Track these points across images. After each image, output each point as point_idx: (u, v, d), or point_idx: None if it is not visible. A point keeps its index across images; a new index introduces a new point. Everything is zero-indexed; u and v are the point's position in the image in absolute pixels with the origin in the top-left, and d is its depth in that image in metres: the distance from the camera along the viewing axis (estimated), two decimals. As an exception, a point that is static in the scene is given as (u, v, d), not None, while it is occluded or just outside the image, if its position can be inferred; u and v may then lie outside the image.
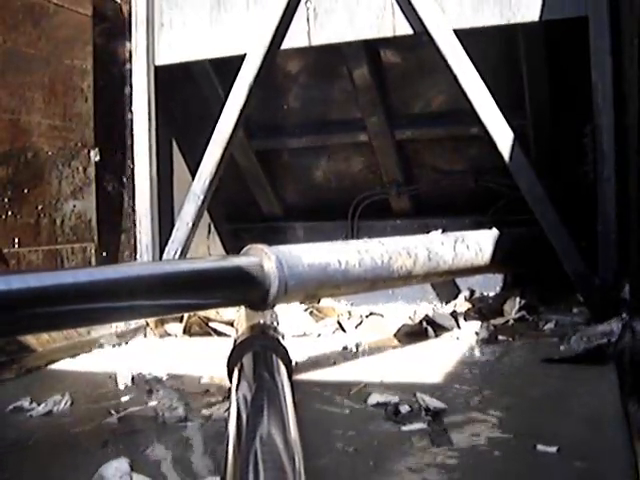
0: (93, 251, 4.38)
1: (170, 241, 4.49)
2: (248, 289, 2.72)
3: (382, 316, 4.37)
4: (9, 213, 3.78)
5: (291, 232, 5.45)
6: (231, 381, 2.48)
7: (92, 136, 4.37)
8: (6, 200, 3.76)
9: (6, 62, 3.78)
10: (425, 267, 3.44)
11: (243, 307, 3.31)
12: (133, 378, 3.15)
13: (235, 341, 2.82)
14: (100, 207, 4.43)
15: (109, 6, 4.63)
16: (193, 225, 4.46)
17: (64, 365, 3.52)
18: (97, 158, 4.40)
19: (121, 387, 3.05)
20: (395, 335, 3.82)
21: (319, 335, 4.10)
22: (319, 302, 4.48)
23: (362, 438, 2.25)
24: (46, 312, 2.12)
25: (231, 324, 3.95)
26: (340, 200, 5.25)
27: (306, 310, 4.45)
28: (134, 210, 4.66)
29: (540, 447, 2.04)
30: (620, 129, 3.64)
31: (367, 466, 2.00)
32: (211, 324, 4.14)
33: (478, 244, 3.80)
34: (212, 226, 5.49)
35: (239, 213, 5.67)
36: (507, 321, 4.00)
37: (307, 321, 4.32)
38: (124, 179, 4.72)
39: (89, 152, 4.36)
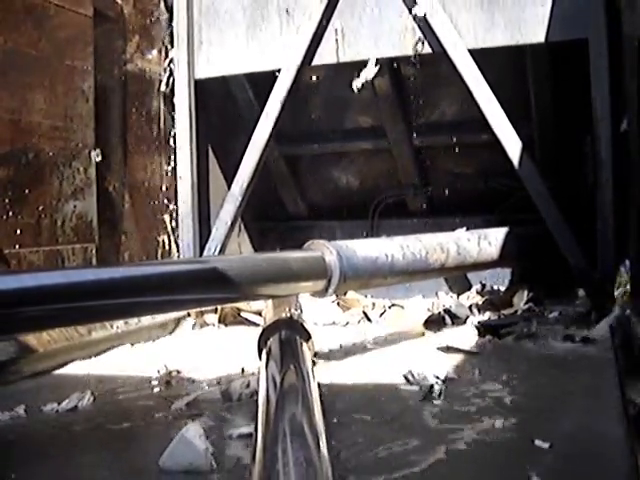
0: (94, 252, 4.39)
1: (210, 239, 4.93)
2: (313, 279, 3.01)
3: (402, 307, 4.68)
4: (10, 213, 3.76)
5: (313, 230, 5.70)
6: (260, 359, 2.69)
7: (93, 137, 4.39)
8: (7, 200, 3.75)
9: (7, 62, 3.78)
10: (455, 260, 3.82)
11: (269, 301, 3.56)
12: (158, 371, 3.19)
13: (263, 326, 3.11)
14: (101, 208, 4.47)
15: (110, 6, 4.67)
16: (231, 224, 4.90)
17: (72, 367, 3.39)
18: (99, 159, 4.46)
19: (150, 381, 3.09)
20: (423, 324, 4.16)
21: (347, 323, 4.41)
22: (345, 294, 4.66)
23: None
24: (115, 303, 2.24)
25: (259, 314, 4.15)
26: (360, 201, 5.69)
27: (333, 302, 4.67)
28: (135, 210, 4.94)
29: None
30: (617, 139, 4.07)
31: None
32: (243, 314, 4.40)
33: (497, 240, 4.19)
34: (241, 225, 5.89)
35: (266, 213, 6.07)
36: (516, 311, 4.32)
37: (335, 311, 4.60)
38: (125, 180, 4.81)
39: (90, 153, 4.38)
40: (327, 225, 5.82)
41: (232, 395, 2.68)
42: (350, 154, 5.69)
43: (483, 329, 3.79)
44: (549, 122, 4.89)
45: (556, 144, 4.91)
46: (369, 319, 4.50)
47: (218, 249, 4.89)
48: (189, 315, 4.53)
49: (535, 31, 4.25)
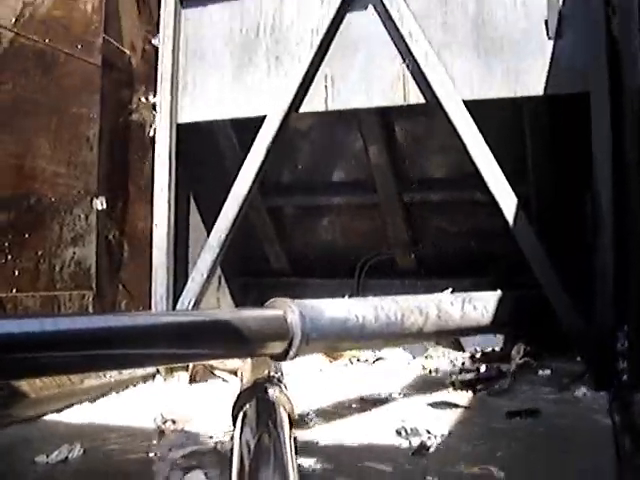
0: (91, 299, 4.38)
1: (185, 291, 4.65)
2: (273, 341, 2.82)
3: (384, 359, 4.69)
4: (8, 257, 3.75)
5: (299, 288, 5.54)
6: (235, 426, 2.56)
7: (95, 184, 4.41)
8: (6, 244, 3.75)
9: (14, 108, 3.82)
10: (435, 325, 3.60)
11: (249, 358, 3.46)
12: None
13: (240, 388, 2.94)
14: (99, 256, 4.47)
15: (118, 56, 4.72)
16: (208, 277, 4.63)
17: (63, 415, 3.48)
18: (103, 206, 4.47)
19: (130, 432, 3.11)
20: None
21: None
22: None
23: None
24: (65, 356, 2.12)
25: (234, 373, 4.04)
26: (347, 258, 5.45)
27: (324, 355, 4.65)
28: (133, 260, 4.79)
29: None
30: (619, 198, 3.84)
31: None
32: (216, 372, 4.27)
33: (484, 305, 3.98)
34: (222, 279, 5.65)
35: (249, 267, 5.83)
36: (514, 366, 4.23)
37: (322, 361, 4.64)
38: (125, 228, 4.79)
39: (92, 200, 4.40)
40: (311, 283, 5.61)
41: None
42: (337, 208, 5.48)
43: (459, 384, 3.82)
44: (546, 179, 4.68)
45: (553, 202, 4.69)
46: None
47: (192, 302, 4.61)
48: (158, 372, 4.42)
49: (534, 83, 4.05)
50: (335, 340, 3.15)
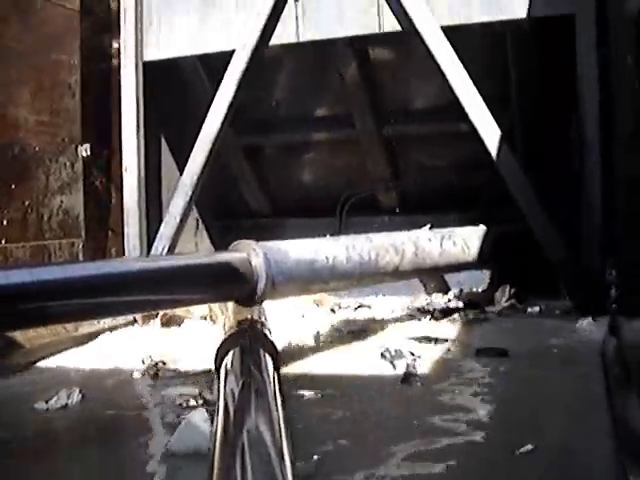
0: (81, 247, 4.38)
1: (158, 237, 4.48)
2: (236, 285, 2.71)
3: (370, 307, 4.51)
4: None
5: (279, 229, 5.32)
6: (219, 375, 2.45)
7: (79, 132, 4.35)
8: None
9: None
10: (412, 263, 3.47)
11: (231, 303, 3.32)
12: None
13: (223, 335, 2.79)
14: (87, 203, 4.43)
15: (96, 1, 4.61)
16: (181, 221, 4.45)
17: (56, 361, 3.47)
18: (87, 153, 4.40)
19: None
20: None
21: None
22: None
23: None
24: (27, 308, 2.08)
25: (204, 317, 4.05)
26: (329, 196, 5.24)
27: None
28: (122, 206, 4.65)
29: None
30: (605, 119, 3.68)
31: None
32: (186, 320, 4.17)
33: (465, 241, 3.84)
34: (200, 222, 5.48)
35: (227, 209, 5.65)
36: (499, 308, 4.18)
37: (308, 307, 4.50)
38: (111, 175, 4.71)
39: (77, 148, 4.33)
40: (292, 223, 5.39)
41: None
42: (316, 145, 5.27)
43: (438, 313, 3.87)
44: (531, 108, 4.46)
45: (538, 132, 4.47)
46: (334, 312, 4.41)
47: (166, 248, 4.44)
48: (135, 320, 4.30)
49: (516, 6, 3.85)
50: (304, 282, 3.04)
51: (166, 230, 4.47)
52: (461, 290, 4.78)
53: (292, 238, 3.17)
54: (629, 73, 3.00)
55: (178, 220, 4.45)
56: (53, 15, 4.13)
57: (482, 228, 4.07)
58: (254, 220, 5.60)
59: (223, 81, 4.31)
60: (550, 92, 4.35)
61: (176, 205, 4.45)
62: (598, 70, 3.72)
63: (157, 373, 3.07)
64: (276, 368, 2.46)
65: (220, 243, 5.46)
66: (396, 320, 4.04)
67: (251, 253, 2.74)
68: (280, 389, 2.27)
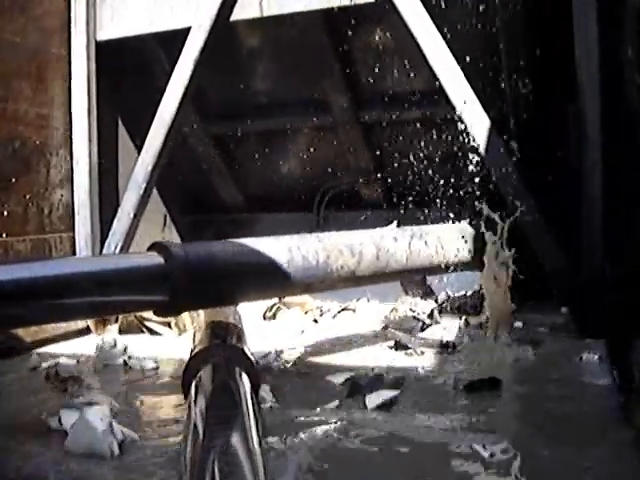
0: None
1: (110, 234, 4.07)
2: (148, 292, 2.36)
3: (354, 311, 4.26)
4: None
5: (254, 225, 5.00)
6: (187, 396, 2.22)
7: None
8: None
9: None
10: (372, 267, 3.01)
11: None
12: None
13: (192, 351, 2.50)
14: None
15: None
16: (135, 216, 4.03)
17: None
18: None
19: None
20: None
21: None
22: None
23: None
24: None
25: (168, 324, 3.85)
26: (307, 190, 4.83)
27: (273, 306, 4.22)
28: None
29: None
30: (608, 110, 3.22)
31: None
32: (147, 323, 3.91)
33: (440, 240, 3.35)
34: (168, 217, 5.07)
35: (198, 204, 5.28)
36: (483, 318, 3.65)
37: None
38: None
39: None
40: (268, 218, 5.04)
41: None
42: (291, 133, 4.78)
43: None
44: (524, 96, 3.90)
45: (534, 120, 3.94)
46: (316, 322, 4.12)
47: (120, 246, 4.03)
48: (89, 328, 4.01)
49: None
50: (233, 290, 2.62)
51: (119, 227, 4.05)
52: (449, 296, 4.31)
53: (268, 234, 2.80)
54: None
55: (132, 216, 4.02)
56: (53, 8, 4.09)
57: (460, 225, 3.60)
58: (227, 215, 5.22)
59: (179, 61, 3.89)
60: (547, 79, 3.80)
61: (129, 199, 4.03)
62: (599, 51, 3.23)
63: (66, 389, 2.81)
64: (254, 389, 2.24)
65: (193, 240, 5.04)
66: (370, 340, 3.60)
67: (168, 256, 2.35)
68: (258, 410, 2.09)
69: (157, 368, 3.14)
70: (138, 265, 2.34)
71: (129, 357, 3.25)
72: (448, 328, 3.64)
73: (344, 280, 2.96)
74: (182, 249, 2.38)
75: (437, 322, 3.79)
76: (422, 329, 3.67)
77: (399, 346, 3.27)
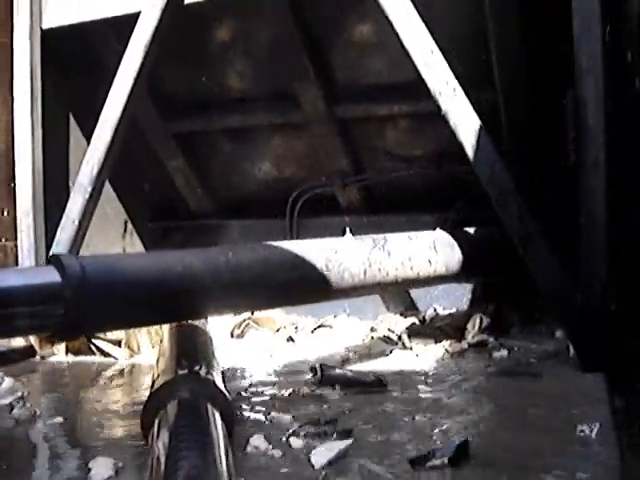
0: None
1: (55, 243, 3.73)
2: (42, 313, 2.05)
3: (331, 327, 3.93)
4: None
5: (225, 232, 4.69)
6: (147, 438, 1.94)
7: None
8: None
9: None
10: (319, 283, 2.61)
11: (166, 327, 2.85)
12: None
13: (153, 384, 2.21)
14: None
15: None
16: (80, 223, 3.67)
17: None
18: None
19: None
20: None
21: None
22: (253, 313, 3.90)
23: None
24: None
25: (119, 343, 3.54)
26: (279, 193, 4.43)
27: (242, 322, 3.93)
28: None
29: None
30: (612, 97, 2.78)
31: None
32: (96, 342, 3.57)
33: (407, 250, 2.93)
34: (129, 224, 4.70)
35: (164, 210, 4.92)
36: (464, 345, 3.32)
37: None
38: None
39: None
40: (239, 225, 4.69)
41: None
42: (260, 131, 4.37)
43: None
44: (519, 82, 3.47)
45: (526, 115, 3.52)
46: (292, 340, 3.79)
47: (64, 255, 3.58)
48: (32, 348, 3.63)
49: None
50: (138, 310, 2.24)
51: (63, 236, 3.71)
52: (437, 313, 3.91)
53: (240, 242, 2.38)
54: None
55: (77, 223, 3.68)
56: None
57: (441, 234, 3.17)
58: (195, 221, 4.84)
59: (128, 47, 3.54)
60: (542, 64, 3.38)
61: (74, 205, 3.69)
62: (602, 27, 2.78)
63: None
64: (229, 428, 1.94)
65: (155, 248, 4.66)
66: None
67: (64, 270, 2.03)
68: (232, 453, 1.80)
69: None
70: (31, 283, 2.02)
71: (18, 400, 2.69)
72: (421, 356, 3.19)
73: (281, 299, 2.64)
74: (79, 264, 2.03)
75: (406, 347, 3.35)
76: (387, 355, 3.25)
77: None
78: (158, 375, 2.26)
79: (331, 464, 1.89)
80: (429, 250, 2.99)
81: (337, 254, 2.64)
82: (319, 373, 2.72)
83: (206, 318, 2.99)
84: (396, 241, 2.90)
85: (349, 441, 2.02)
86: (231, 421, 2.01)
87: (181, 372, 2.16)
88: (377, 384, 2.64)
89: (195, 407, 1.95)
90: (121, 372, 3.28)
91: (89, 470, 1.90)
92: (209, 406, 1.95)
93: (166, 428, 1.85)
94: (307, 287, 2.60)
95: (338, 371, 2.78)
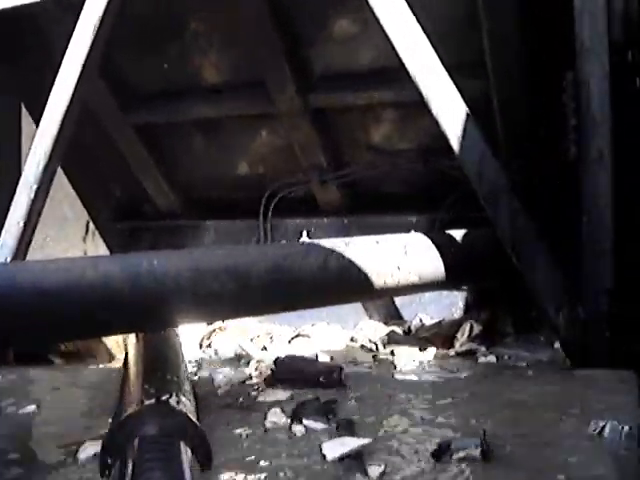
0: None
1: (-1, 246, 3.39)
2: None
3: (309, 337, 3.70)
4: None
5: (196, 232, 4.42)
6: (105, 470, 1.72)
7: None
8: None
9: None
10: (265, 292, 2.32)
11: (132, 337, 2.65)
12: None
13: (116, 414, 1.97)
14: None
15: None
16: (26, 225, 3.36)
17: None
18: None
19: None
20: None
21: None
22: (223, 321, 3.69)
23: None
24: None
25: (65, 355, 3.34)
26: (252, 191, 4.12)
27: (212, 332, 3.74)
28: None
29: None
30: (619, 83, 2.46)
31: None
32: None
33: (372, 257, 2.59)
34: (91, 225, 4.42)
35: (129, 210, 4.64)
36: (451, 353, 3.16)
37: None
38: None
39: None
40: (210, 226, 4.44)
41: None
42: (231, 123, 4.04)
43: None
44: (512, 67, 3.11)
45: (521, 106, 3.17)
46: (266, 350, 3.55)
47: (9, 261, 3.33)
48: None
49: None
50: (47, 327, 2.01)
51: (8, 239, 3.42)
52: (422, 323, 3.64)
53: (212, 244, 2.50)
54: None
55: (22, 225, 3.36)
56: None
57: (417, 236, 2.85)
58: (164, 222, 4.55)
59: (74, 33, 3.23)
60: (539, 47, 3.01)
61: (19, 204, 3.39)
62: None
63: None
64: (202, 466, 1.74)
65: (121, 251, 4.37)
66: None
67: None
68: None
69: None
70: None
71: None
72: (401, 362, 2.92)
73: (220, 311, 2.36)
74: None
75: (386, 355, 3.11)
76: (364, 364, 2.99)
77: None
78: (123, 403, 2.00)
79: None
80: (400, 256, 2.63)
81: (285, 261, 2.30)
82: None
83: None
84: (359, 245, 2.55)
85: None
86: (208, 462, 1.76)
87: (148, 402, 1.87)
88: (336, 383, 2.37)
89: (163, 449, 1.69)
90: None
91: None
92: (181, 444, 1.71)
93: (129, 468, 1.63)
94: (253, 299, 2.27)
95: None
